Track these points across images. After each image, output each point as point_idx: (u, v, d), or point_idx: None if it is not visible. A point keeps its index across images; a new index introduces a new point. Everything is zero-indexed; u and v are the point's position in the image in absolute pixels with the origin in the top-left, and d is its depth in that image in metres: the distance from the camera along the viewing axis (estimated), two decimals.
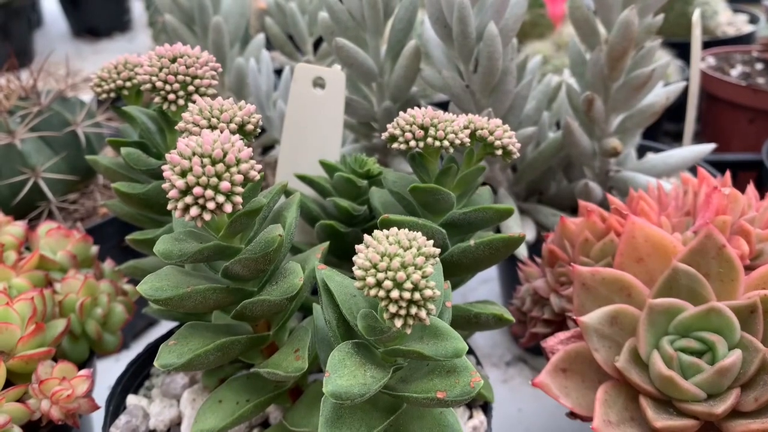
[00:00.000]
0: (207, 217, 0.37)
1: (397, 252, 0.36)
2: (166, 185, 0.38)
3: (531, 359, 0.86)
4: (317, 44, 0.95)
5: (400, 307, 0.36)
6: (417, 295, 0.35)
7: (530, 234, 0.73)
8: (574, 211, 0.76)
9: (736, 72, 1.16)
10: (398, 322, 0.36)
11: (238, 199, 0.37)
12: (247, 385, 0.50)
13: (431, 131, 0.48)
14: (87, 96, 1.17)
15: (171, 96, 0.49)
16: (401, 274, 0.35)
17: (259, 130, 0.47)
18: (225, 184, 0.37)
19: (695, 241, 0.50)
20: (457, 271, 0.53)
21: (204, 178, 0.36)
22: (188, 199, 0.37)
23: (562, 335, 0.54)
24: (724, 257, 0.50)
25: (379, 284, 0.36)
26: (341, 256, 0.58)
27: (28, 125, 0.78)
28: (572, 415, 0.52)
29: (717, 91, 1.13)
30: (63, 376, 0.52)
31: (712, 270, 0.50)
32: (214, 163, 0.37)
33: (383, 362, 0.41)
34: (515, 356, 0.87)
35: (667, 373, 0.47)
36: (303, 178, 0.60)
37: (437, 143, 0.48)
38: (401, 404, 0.43)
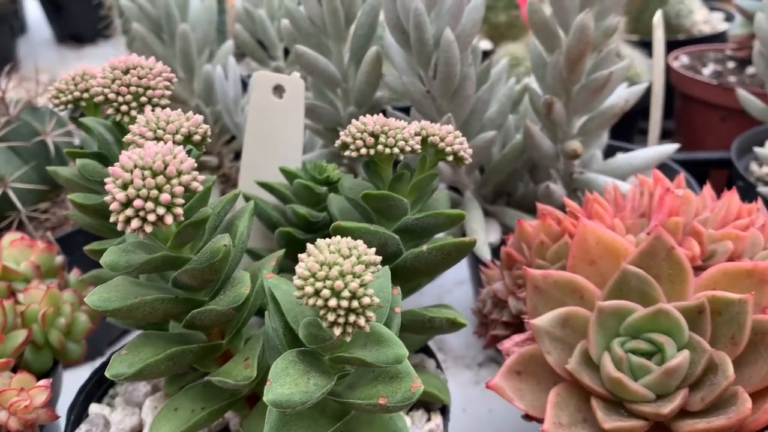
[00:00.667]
0: (148, 229, 0.37)
1: (336, 261, 0.36)
2: (107, 198, 0.38)
3: (503, 360, 0.87)
4: (288, 50, 0.96)
5: (339, 315, 0.36)
6: (355, 303, 0.36)
7: (495, 236, 0.74)
8: None
9: (708, 70, 1.17)
10: (337, 331, 0.36)
11: (179, 210, 0.38)
12: (203, 393, 0.50)
13: (381, 138, 0.49)
14: None
15: (123, 107, 0.49)
16: (339, 283, 0.35)
17: (209, 140, 0.48)
18: (165, 196, 0.37)
19: (645, 243, 0.51)
20: (412, 275, 0.54)
21: (144, 191, 0.37)
22: (129, 212, 0.37)
23: (517, 338, 0.55)
24: (674, 259, 0.50)
25: (317, 293, 0.36)
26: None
27: None
28: (527, 417, 0.52)
29: (690, 89, 1.14)
30: (21, 386, 0.52)
31: (663, 272, 0.51)
32: (154, 175, 0.38)
33: (329, 369, 0.41)
34: (487, 357, 0.88)
35: (616, 375, 0.48)
36: (264, 185, 0.60)
37: (387, 150, 0.49)
38: (349, 410, 0.43)
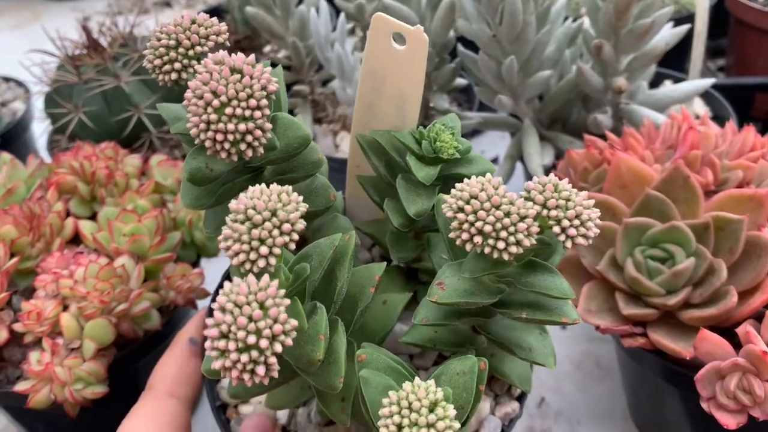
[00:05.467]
0: (249, 384, 0.37)
1: (420, 411, 0.37)
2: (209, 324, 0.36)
3: None
4: None
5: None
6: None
7: (549, 159, 0.87)
8: None
9: None
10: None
11: (273, 360, 0.36)
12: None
13: (490, 240, 0.41)
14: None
15: (222, 154, 0.43)
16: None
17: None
18: (261, 368, 0.36)
19: (666, 173, 0.64)
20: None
21: (241, 343, 0.36)
22: (228, 362, 0.36)
23: None
24: (689, 186, 0.63)
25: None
26: (406, 237, 0.59)
27: (130, 70, 0.95)
28: None
29: (744, 15, 1.20)
30: (183, 273, 0.70)
31: (680, 195, 0.64)
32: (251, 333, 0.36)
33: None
34: None
35: (636, 275, 0.62)
36: (376, 141, 0.56)
37: (496, 254, 0.41)
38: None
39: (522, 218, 0.41)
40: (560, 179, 0.43)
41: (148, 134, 0.97)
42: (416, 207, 0.52)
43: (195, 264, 0.78)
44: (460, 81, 0.97)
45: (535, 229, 0.41)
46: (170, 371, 0.60)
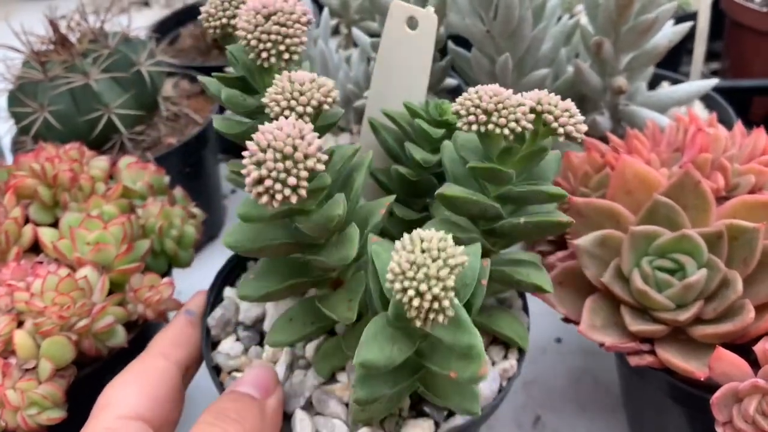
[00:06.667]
0: (276, 204, 0.43)
1: (425, 262, 0.41)
2: (244, 171, 0.43)
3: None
4: None
5: (420, 312, 0.42)
6: (436, 305, 0.41)
7: None
8: None
9: None
10: (418, 322, 0.42)
11: (303, 192, 0.43)
12: (315, 309, 0.56)
13: (494, 117, 0.49)
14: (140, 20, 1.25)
15: (264, 54, 0.52)
16: (424, 287, 0.40)
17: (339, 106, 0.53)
18: (292, 180, 0.42)
19: (675, 177, 0.59)
20: (508, 239, 0.58)
21: (274, 173, 0.42)
22: (260, 189, 0.43)
23: (560, 254, 0.65)
24: (700, 191, 0.59)
25: (405, 290, 0.41)
26: (412, 194, 0.64)
27: (100, 67, 0.89)
28: (566, 320, 0.63)
29: (739, 16, 1.16)
30: (151, 284, 0.65)
31: (690, 202, 0.59)
32: (284, 158, 0.42)
33: (414, 334, 0.47)
34: None
35: (643, 288, 0.57)
36: (387, 115, 0.62)
37: (498, 130, 0.49)
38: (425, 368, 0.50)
39: (519, 104, 0.49)
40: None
41: (119, 135, 0.92)
42: (423, 155, 0.59)
43: (166, 275, 0.72)
44: (450, 81, 0.92)
45: (530, 116, 0.49)
46: (165, 335, 0.60)
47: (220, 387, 0.58)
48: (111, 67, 0.89)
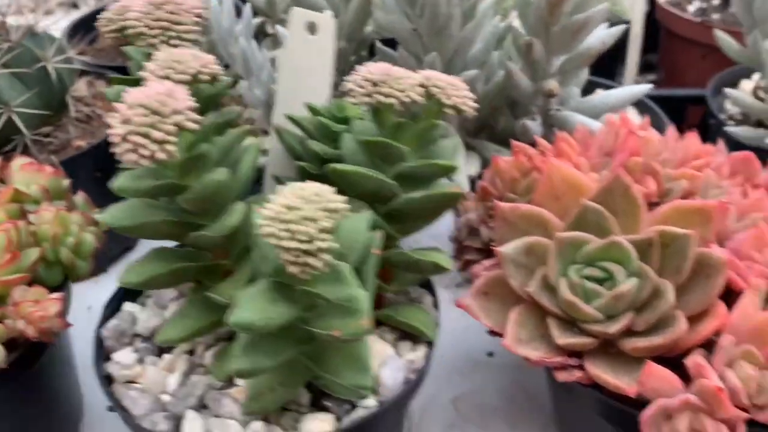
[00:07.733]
0: (144, 162, 0.42)
1: (299, 205, 0.40)
2: (109, 131, 0.43)
3: None
4: None
5: (295, 256, 0.40)
6: (311, 246, 0.40)
7: (475, 169, 0.79)
8: None
9: (693, 7, 1.19)
10: (295, 269, 0.41)
11: (171, 148, 0.42)
12: (207, 304, 0.55)
13: (383, 88, 0.51)
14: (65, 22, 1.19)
15: (153, 41, 0.53)
16: (296, 227, 0.39)
17: (223, 80, 0.52)
18: (157, 134, 0.42)
19: (604, 182, 0.56)
20: (407, 219, 0.59)
21: (141, 129, 0.41)
22: (126, 146, 0.42)
23: (486, 263, 0.61)
24: (630, 196, 0.56)
25: (278, 234, 0.40)
26: None
27: (0, 61, 0.82)
28: (492, 333, 0.59)
29: (674, 26, 1.16)
30: (36, 299, 0.58)
31: (620, 207, 0.56)
32: (152, 113, 0.42)
33: (298, 300, 0.46)
34: (465, 279, 0.94)
35: (571, 298, 0.54)
36: (290, 118, 0.63)
37: (385, 99, 0.51)
38: (315, 337, 0.48)
39: (407, 77, 0.52)
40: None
41: (21, 137, 0.84)
42: (321, 147, 0.59)
43: (60, 288, 0.65)
44: None
45: (419, 89, 0.52)
46: None
47: (111, 397, 0.56)
48: (12, 62, 0.82)
